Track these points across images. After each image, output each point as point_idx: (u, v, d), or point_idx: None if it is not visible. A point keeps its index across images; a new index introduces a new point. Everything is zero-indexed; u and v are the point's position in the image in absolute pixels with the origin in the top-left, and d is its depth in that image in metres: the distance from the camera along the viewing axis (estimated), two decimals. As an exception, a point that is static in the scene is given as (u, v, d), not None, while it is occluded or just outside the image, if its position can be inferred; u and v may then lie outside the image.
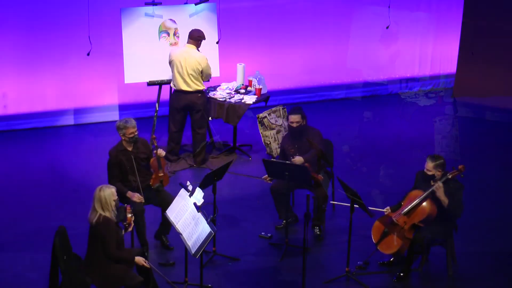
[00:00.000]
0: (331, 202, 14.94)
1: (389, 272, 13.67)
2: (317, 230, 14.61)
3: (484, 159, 17.93)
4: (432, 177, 13.01)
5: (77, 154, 17.33)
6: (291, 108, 14.95)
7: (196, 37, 16.23)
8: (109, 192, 11.64)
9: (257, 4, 18.97)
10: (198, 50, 16.34)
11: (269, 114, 16.74)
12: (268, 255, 14.20)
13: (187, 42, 16.32)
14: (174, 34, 17.25)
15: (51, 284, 11.72)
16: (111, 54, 17.46)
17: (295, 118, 14.50)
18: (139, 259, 11.83)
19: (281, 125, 16.64)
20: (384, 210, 13.70)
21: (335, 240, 14.52)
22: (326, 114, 19.38)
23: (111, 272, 11.89)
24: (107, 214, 11.64)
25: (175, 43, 17.19)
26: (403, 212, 13.21)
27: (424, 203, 13.27)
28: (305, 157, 14.31)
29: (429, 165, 13.10)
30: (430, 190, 13.04)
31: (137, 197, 13.26)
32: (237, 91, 16.92)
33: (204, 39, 16.48)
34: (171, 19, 17.23)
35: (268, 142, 16.70)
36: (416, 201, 13.19)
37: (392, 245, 13.75)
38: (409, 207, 13.23)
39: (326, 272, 13.74)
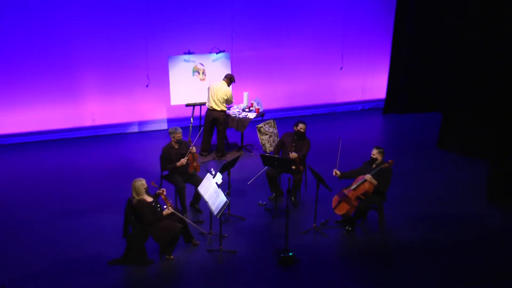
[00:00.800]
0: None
1: (341, 227, 14.91)
2: (294, 200, 15.78)
3: (404, 154, 19.05)
4: (375, 160, 14.53)
5: (140, 151, 18.33)
6: (300, 120, 16.00)
7: (229, 78, 17.29)
8: (139, 183, 13.06)
9: (256, 54, 19.94)
10: (228, 86, 17.23)
11: (264, 125, 17.80)
12: (264, 216, 15.38)
13: (223, 79, 17.21)
14: (203, 73, 18.23)
15: (124, 233, 13.31)
16: (162, 85, 18.58)
17: (303, 126, 15.63)
18: (166, 211, 13.24)
19: (272, 132, 17.48)
20: (333, 172, 14.90)
21: (307, 206, 15.63)
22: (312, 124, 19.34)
23: (159, 227, 13.24)
24: (140, 197, 13.06)
25: (203, 79, 18.07)
26: (352, 188, 14.36)
27: (365, 183, 14.50)
28: (299, 154, 15.42)
29: (374, 151, 14.60)
30: (362, 180, 14.49)
31: (181, 162, 14.75)
32: (243, 110, 18.09)
33: (234, 82, 17.40)
34: (200, 63, 18.22)
35: (263, 143, 17.60)
36: (360, 182, 14.40)
37: (344, 209, 14.81)
38: (355, 185, 14.45)
39: (301, 226, 14.81)
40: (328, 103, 21.16)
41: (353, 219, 14.83)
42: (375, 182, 14.28)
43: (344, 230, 14.89)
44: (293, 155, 15.26)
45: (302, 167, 15.57)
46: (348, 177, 14.81)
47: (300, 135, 15.63)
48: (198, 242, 13.97)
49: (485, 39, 17.44)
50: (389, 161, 14.64)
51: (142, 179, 13.21)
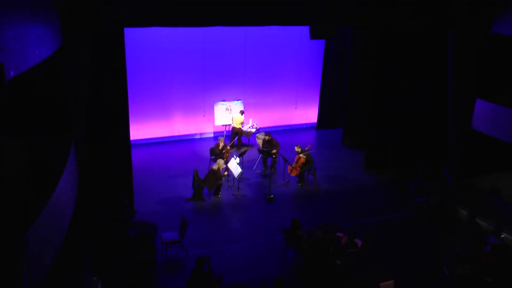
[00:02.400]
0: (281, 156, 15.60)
1: (297, 183, 15.35)
2: (272, 170, 16.12)
3: (324, 148, 18.49)
4: (299, 151, 14.99)
5: (200, 148, 17.91)
6: (268, 133, 16.28)
7: (241, 112, 17.66)
8: (220, 162, 14.04)
9: (254, 100, 19.11)
10: (242, 115, 17.58)
11: (259, 135, 17.62)
12: (259, 178, 15.90)
13: (239, 112, 17.65)
14: (230, 109, 18.14)
15: (193, 184, 14.03)
16: (211, 115, 18.36)
17: (267, 137, 15.99)
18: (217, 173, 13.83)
19: (262, 138, 16.75)
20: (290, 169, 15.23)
21: (278, 173, 16.08)
22: (275, 136, 19.11)
23: (212, 178, 13.92)
24: (214, 167, 14.02)
25: (230, 112, 18.05)
26: (295, 162, 15.01)
27: (301, 158, 15.00)
28: (276, 149, 15.77)
29: (296, 148, 15.22)
30: (298, 157, 14.95)
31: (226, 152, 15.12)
32: (249, 127, 18.04)
33: (243, 113, 17.65)
34: (229, 105, 18.23)
35: (259, 143, 17.25)
36: (299, 158, 14.92)
37: (293, 173, 15.31)
38: (296, 159, 15.01)
39: (276, 182, 15.43)
40: (289, 124, 20.47)
41: (300, 178, 15.34)
42: (303, 156, 14.94)
43: (299, 184, 15.42)
44: (274, 151, 15.85)
45: (274, 153, 15.90)
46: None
47: (269, 140, 16.06)
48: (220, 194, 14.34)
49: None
50: (308, 146, 15.35)
51: (221, 160, 14.01)
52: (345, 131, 18.93)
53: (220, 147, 15.64)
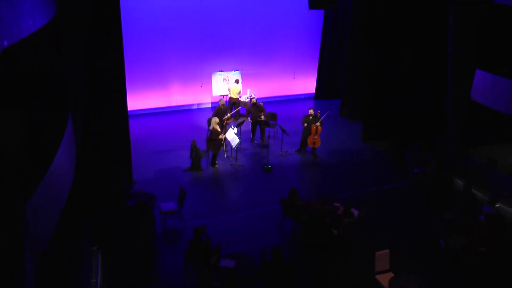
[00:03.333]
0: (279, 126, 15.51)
1: (297, 152, 15.52)
2: (265, 140, 16.17)
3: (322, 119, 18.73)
4: (312, 114, 14.81)
5: (198, 117, 18.10)
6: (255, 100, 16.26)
7: (236, 81, 17.60)
8: (214, 120, 13.90)
9: (252, 71, 19.16)
10: (237, 84, 17.52)
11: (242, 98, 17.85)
12: (257, 147, 15.96)
13: (235, 82, 17.60)
14: (227, 80, 18.29)
15: (191, 155, 14.04)
16: (208, 86, 18.54)
17: (253, 100, 15.93)
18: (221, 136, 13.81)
19: (250, 100, 16.55)
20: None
21: (276, 142, 16.11)
22: (273, 107, 19.72)
23: (215, 141, 13.95)
24: (214, 126, 13.88)
25: (228, 82, 18.13)
26: (314, 133, 14.86)
27: (319, 127, 14.92)
28: (264, 116, 15.70)
29: (310, 110, 15.07)
30: (315, 127, 14.79)
31: (227, 117, 14.91)
32: (247, 98, 18.06)
33: (239, 82, 17.57)
34: (227, 75, 18.33)
35: (246, 106, 16.78)
36: (317, 127, 14.80)
37: (317, 143, 15.19)
38: (315, 130, 14.83)
39: (274, 153, 15.47)
40: (287, 94, 20.60)
41: (302, 146, 15.48)
42: (319, 124, 14.98)
43: (300, 152, 15.53)
44: (263, 117, 15.82)
45: (264, 117, 15.72)
46: (310, 125, 14.99)
47: (255, 103, 16.02)
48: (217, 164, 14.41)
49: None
50: (318, 111, 15.33)
51: (217, 118, 13.96)
52: (343, 102, 18.95)
53: (222, 107, 15.58)
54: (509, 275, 10.19)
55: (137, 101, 17.69)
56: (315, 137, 15.12)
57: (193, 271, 9.63)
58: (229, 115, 15.22)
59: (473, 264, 10.28)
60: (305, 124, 15.19)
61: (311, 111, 15.19)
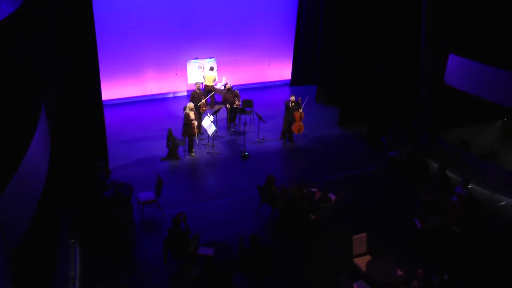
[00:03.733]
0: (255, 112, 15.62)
1: (279, 139, 15.43)
2: (234, 124, 16.17)
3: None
4: (293, 101, 14.62)
5: (173, 106, 17.75)
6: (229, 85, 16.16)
7: (211, 69, 17.32)
8: (189, 105, 13.77)
9: (227, 58, 18.79)
10: (212, 71, 17.29)
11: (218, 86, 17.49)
12: (234, 135, 15.82)
13: (209, 69, 17.34)
14: (202, 68, 17.95)
15: (167, 143, 13.88)
16: (184, 74, 18.17)
17: (229, 86, 15.87)
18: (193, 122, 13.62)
19: (225, 87, 16.29)
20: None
21: (253, 129, 16.08)
22: (249, 94, 19.54)
23: (187, 126, 13.80)
24: (187, 111, 13.73)
25: (203, 70, 17.82)
26: (299, 119, 14.73)
27: (302, 114, 14.82)
28: (238, 103, 15.73)
29: (292, 97, 14.86)
30: (299, 114, 14.66)
31: (202, 102, 14.66)
32: (222, 85, 17.51)
33: (213, 70, 17.34)
34: (202, 63, 17.98)
35: (221, 93, 16.76)
36: (300, 113, 14.70)
37: (301, 129, 15.09)
38: (298, 116, 14.73)
39: (250, 140, 15.37)
40: (263, 81, 20.36)
41: (285, 134, 15.32)
42: (302, 111, 14.93)
43: (283, 140, 15.37)
44: (237, 104, 15.82)
45: (238, 103, 15.82)
46: (292, 114, 14.84)
47: (230, 89, 15.96)
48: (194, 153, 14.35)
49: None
50: (299, 98, 15.16)
51: (192, 104, 13.82)
52: (319, 88, 18.94)
53: (197, 91, 15.44)
54: (480, 253, 10.46)
55: (112, 90, 17.32)
56: (300, 123, 15.10)
57: (173, 260, 9.63)
58: (203, 100, 15.04)
59: (447, 243, 10.51)
60: (285, 116, 15.16)
61: (292, 98, 15.09)
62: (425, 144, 14.18)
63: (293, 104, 15.00)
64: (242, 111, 15.73)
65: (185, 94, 18.80)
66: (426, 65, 14.03)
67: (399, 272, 8.81)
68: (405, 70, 15.63)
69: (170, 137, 14.04)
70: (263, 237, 10.41)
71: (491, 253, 10.54)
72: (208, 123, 14.30)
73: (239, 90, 17.36)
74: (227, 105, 16.07)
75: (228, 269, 9.00)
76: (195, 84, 15.64)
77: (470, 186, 12.44)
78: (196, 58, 18.15)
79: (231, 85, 16.61)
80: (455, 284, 9.41)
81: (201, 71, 18.04)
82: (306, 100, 15.41)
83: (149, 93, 18.39)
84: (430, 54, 13.86)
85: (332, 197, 11.26)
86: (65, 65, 10.42)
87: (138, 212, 11.40)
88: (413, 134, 14.43)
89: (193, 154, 14.45)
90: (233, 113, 16.17)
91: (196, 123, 14.00)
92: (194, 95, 15.35)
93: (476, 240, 10.79)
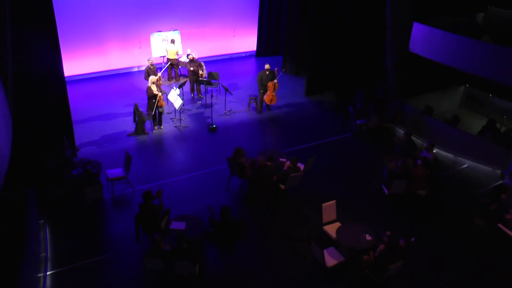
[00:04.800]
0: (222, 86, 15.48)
1: (241, 111, 15.41)
2: (201, 97, 16.25)
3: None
4: (268, 69, 14.59)
5: (137, 78, 17.64)
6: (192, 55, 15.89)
7: (172, 41, 16.97)
8: (150, 79, 13.42)
9: (191, 30, 18.67)
10: (174, 45, 16.98)
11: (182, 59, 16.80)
12: (201, 108, 15.74)
13: (171, 42, 17.01)
14: (166, 40, 17.63)
15: (134, 119, 13.78)
16: (147, 48, 17.89)
17: (192, 56, 15.73)
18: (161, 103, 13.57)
19: (189, 58, 16.08)
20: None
21: (220, 100, 16.10)
22: (214, 66, 19.69)
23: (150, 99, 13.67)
24: (149, 85, 13.48)
25: (167, 43, 17.46)
26: (272, 89, 14.80)
27: (276, 84, 14.79)
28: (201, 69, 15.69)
29: (267, 66, 14.79)
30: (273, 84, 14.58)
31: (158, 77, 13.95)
32: (186, 58, 16.85)
33: (175, 42, 16.97)
34: (166, 36, 17.69)
35: (187, 66, 16.26)
36: (274, 83, 14.68)
37: (274, 100, 15.20)
38: (272, 86, 14.72)
39: (216, 113, 15.38)
40: (228, 53, 20.47)
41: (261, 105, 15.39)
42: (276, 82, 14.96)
43: (259, 112, 15.44)
44: (201, 74, 15.79)
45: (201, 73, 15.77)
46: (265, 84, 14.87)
47: (193, 59, 15.87)
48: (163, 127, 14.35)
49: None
50: (276, 68, 15.17)
51: (154, 77, 13.48)
52: (285, 58, 18.91)
53: (151, 67, 15.16)
54: (445, 214, 10.80)
55: (74, 65, 17.05)
56: (273, 94, 15.03)
57: (145, 236, 9.63)
58: (159, 74, 14.69)
59: (413, 207, 10.83)
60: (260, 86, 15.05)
61: (267, 66, 14.94)
62: (391, 112, 14.36)
63: (268, 72, 14.90)
64: (208, 83, 15.58)
65: (144, 69, 18.23)
66: (391, 34, 14.13)
67: (368, 237, 9.00)
68: (370, 39, 15.66)
69: (136, 112, 13.87)
70: (234, 209, 10.48)
71: (455, 213, 10.85)
72: (175, 97, 14.15)
73: (205, 62, 17.26)
74: (192, 73, 15.90)
75: (200, 242, 9.04)
76: (148, 60, 15.32)
77: (435, 151, 12.67)
78: (160, 31, 17.84)
79: (195, 56, 16.42)
80: (422, 245, 9.71)
81: (166, 44, 17.72)
82: (281, 74, 15.41)
83: (113, 67, 18.15)
84: (394, 22, 13.95)
85: (301, 166, 11.34)
86: (21, 39, 10.01)
87: (107, 190, 11.31)
88: (379, 101, 14.59)
89: (162, 127, 14.33)
90: (198, 85, 16.07)
91: (161, 94, 13.81)
92: (148, 71, 15.10)
93: (440, 202, 11.09)
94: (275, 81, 14.83)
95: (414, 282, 8.94)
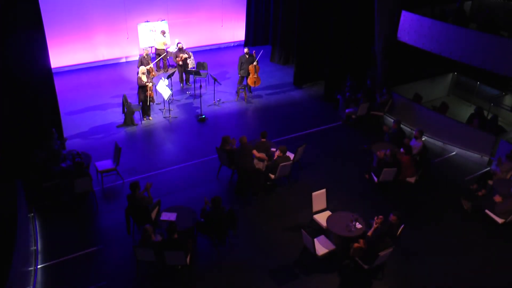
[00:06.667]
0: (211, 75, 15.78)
1: (230, 101, 15.35)
2: (189, 85, 16.20)
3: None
4: (247, 53, 14.85)
5: (127, 70, 17.59)
6: (181, 45, 15.93)
7: (162, 32, 16.91)
8: (141, 69, 13.46)
9: (179, 21, 18.64)
10: (164, 36, 16.90)
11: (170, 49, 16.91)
12: (190, 98, 15.70)
13: (160, 33, 16.90)
14: (154, 30, 17.61)
15: (123, 110, 13.80)
16: (135, 39, 17.85)
17: (181, 45, 15.74)
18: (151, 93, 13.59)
19: (177, 48, 16.22)
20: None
21: (209, 90, 16.00)
22: (203, 56, 19.73)
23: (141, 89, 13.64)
24: (140, 75, 13.41)
25: (155, 33, 17.41)
26: (255, 72, 14.86)
27: (256, 66, 14.98)
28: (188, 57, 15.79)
29: (246, 50, 15.04)
30: (253, 66, 14.72)
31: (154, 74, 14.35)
32: (175, 48, 16.96)
33: (165, 34, 16.93)
34: (153, 26, 17.66)
35: (175, 57, 16.30)
36: (255, 66, 14.85)
37: (258, 82, 15.41)
38: (254, 69, 14.87)
39: (207, 103, 15.43)
40: (216, 43, 20.40)
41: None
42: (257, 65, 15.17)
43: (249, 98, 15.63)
44: (189, 61, 15.87)
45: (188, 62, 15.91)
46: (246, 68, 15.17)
47: (181, 48, 15.95)
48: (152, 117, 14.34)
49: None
50: (254, 51, 15.39)
51: (144, 68, 13.50)
52: (273, 48, 18.89)
53: (145, 57, 15.04)
54: (434, 201, 10.88)
55: (61, 57, 16.91)
56: (255, 76, 15.10)
57: (136, 227, 9.61)
58: (151, 65, 14.69)
59: (403, 194, 10.92)
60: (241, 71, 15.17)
61: (246, 50, 15.18)
62: (380, 100, 14.40)
63: (247, 56, 14.99)
64: (197, 73, 15.49)
65: (138, 58, 18.17)
66: (380, 22, 14.13)
67: (358, 225, 9.05)
68: (359, 27, 15.61)
69: (125, 103, 13.80)
70: (224, 199, 10.50)
71: (444, 199, 10.94)
72: (163, 87, 14.09)
73: (193, 52, 17.17)
74: (180, 63, 15.86)
75: (191, 233, 9.05)
76: (144, 50, 15.30)
77: (424, 138, 12.79)
78: (147, 21, 17.72)
79: (184, 47, 16.38)
80: (413, 232, 9.79)
81: (154, 34, 17.62)
82: (260, 53, 15.41)
83: (100, 58, 18.02)
84: (383, 11, 13.95)
85: (291, 156, 11.36)
86: (7, 32, 9.92)
87: (97, 182, 11.25)
88: (368, 90, 14.61)
89: (150, 118, 14.27)
90: (187, 75, 16.03)
91: (151, 85, 13.74)
92: (142, 60, 15.03)
93: (429, 189, 11.21)
94: (255, 63, 14.94)
95: (405, 267, 9.00)
